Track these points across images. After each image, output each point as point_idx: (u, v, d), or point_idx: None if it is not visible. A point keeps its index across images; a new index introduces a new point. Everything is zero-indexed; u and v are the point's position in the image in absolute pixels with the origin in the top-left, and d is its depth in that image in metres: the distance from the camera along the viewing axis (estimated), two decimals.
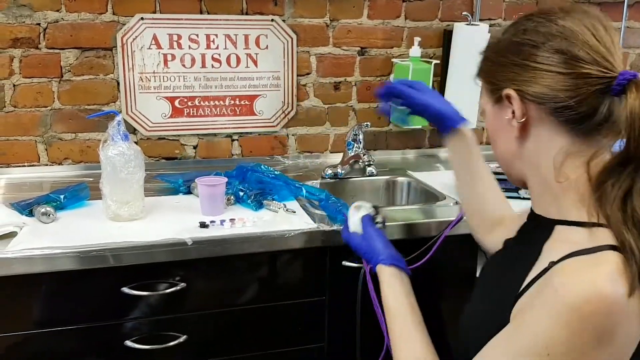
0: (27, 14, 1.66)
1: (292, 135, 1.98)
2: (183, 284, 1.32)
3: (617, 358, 0.70)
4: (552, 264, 0.74)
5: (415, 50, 1.93)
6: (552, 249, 0.77)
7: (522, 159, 0.83)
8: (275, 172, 1.63)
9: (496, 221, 1.10)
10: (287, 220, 1.41)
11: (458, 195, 1.22)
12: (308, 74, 1.94)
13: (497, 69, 0.82)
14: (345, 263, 1.42)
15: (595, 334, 0.67)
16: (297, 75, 1.93)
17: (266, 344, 1.44)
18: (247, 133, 1.93)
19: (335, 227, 1.39)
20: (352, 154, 1.82)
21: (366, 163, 1.83)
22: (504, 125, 0.82)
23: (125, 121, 1.73)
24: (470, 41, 1.94)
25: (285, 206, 1.47)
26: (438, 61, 1.98)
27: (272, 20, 1.86)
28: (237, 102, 1.90)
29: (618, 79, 0.74)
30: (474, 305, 0.90)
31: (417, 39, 1.93)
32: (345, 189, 1.82)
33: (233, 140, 1.93)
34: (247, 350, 1.43)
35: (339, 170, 1.82)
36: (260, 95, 1.91)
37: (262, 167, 1.65)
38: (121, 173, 1.37)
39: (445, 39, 2.01)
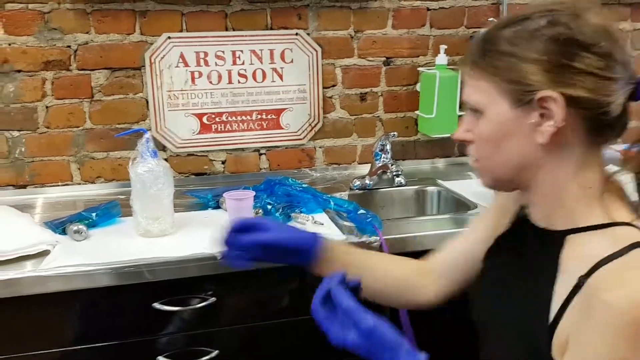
0: (57, 37, 1.70)
1: (319, 147, 1.97)
2: (214, 299, 1.32)
3: None
4: (583, 278, 0.71)
5: (442, 58, 1.91)
6: (571, 261, 0.75)
7: (538, 166, 0.79)
8: (303, 185, 1.63)
9: (415, 285, 1.05)
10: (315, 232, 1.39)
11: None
12: (334, 85, 1.94)
13: (528, 68, 0.75)
14: None
15: None
16: (323, 88, 1.93)
17: (299, 359, 1.43)
18: (274, 147, 1.94)
19: (364, 239, 1.37)
20: (380, 164, 1.81)
21: (394, 173, 1.81)
22: (524, 130, 0.77)
23: (154, 138, 1.76)
24: None
25: (313, 218, 1.46)
26: None
27: (297, 34, 1.87)
28: (264, 117, 1.91)
29: None
30: (495, 341, 0.86)
31: (443, 47, 1.91)
32: (374, 200, 1.81)
33: (261, 154, 1.94)
34: None
35: (367, 181, 1.80)
36: (286, 108, 1.91)
37: (290, 180, 1.65)
38: (150, 189, 1.38)
39: None
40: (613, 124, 0.76)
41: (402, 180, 1.82)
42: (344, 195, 1.72)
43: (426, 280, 1.05)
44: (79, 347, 1.30)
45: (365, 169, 1.91)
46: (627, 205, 0.79)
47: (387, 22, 1.94)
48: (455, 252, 1.05)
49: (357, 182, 1.80)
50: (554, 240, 0.79)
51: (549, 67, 0.74)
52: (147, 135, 1.41)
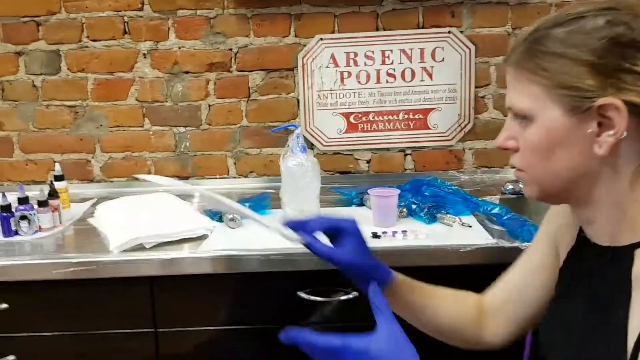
0: (221, 40, 1.83)
1: (469, 149, 1.89)
2: (355, 293, 1.32)
3: None
4: None
5: None
6: None
7: (594, 179, 0.71)
8: (452, 187, 1.57)
9: (476, 320, 0.96)
10: (463, 234, 1.34)
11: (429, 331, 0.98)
12: (487, 85, 1.85)
13: (584, 72, 0.67)
14: None
15: None
16: (475, 87, 1.85)
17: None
18: (420, 147, 1.90)
19: (516, 244, 1.28)
20: None
21: None
22: (579, 139, 0.69)
23: (303, 136, 1.82)
24: None
25: (460, 220, 1.40)
26: None
27: (449, 32, 1.82)
28: (411, 117, 1.88)
29: None
30: None
31: None
32: (529, 207, 1.68)
33: (406, 154, 1.91)
34: None
35: (521, 185, 1.69)
36: (435, 108, 1.87)
37: (439, 181, 1.60)
38: (299, 182, 1.43)
39: None
40: None
41: None
42: (494, 199, 1.62)
43: (485, 321, 0.96)
44: (226, 327, 1.37)
45: None
46: None
47: None
48: (508, 287, 0.95)
49: (510, 187, 1.70)
50: (621, 257, 0.70)
51: (608, 71, 0.66)
52: (298, 130, 1.46)
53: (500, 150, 0.79)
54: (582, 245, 0.79)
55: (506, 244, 1.29)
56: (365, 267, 0.89)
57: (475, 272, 1.32)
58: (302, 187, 1.43)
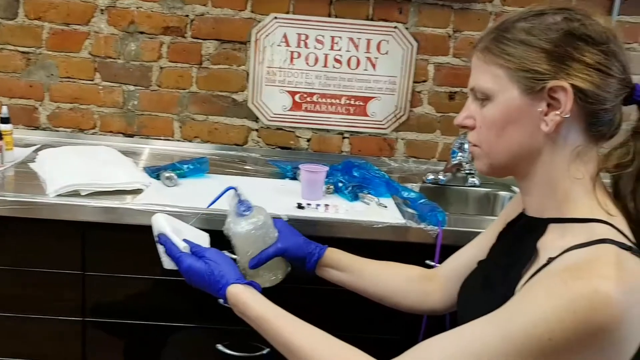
0: (178, 6, 1.90)
1: (402, 139, 2.03)
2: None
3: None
4: (551, 259, 0.75)
5: None
6: (547, 246, 0.79)
7: (536, 155, 0.82)
8: (380, 172, 1.70)
9: (420, 288, 1.11)
10: (378, 213, 1.47)
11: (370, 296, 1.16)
12: (424, 81, 1.99)
13: (541, 58, 0.78)
14: (429, 262, 1.45)
15: (597, 327, 0.67)
16: (413, 82, 1.98)
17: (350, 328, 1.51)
18: (358, 132, 2.02)
19: (422, 226, 1.43)
20: (455, 162, 1.84)
21: (468, 172, 1.83)
22: (530, 117, 0.80)
23: (249, 109, 1.91)
24: None
25: (378, 200, 1.54)
26: None
27: (395, 27, 1.94)
28: (352, 102, 2.00)
29: (638, 90, 0.80)
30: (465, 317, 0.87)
31: None
32: (445, 196, 1.84)
33: (344, 137, 2.03)
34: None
35: (441, 176, 1.84)
36: (375, 97, 1.99)
37: (369, 165, 1.73)
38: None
39: None
40: (610, 122, 0.80)
41: (476, 181, 1.84)
42: (415, 186, 1.77)
43: (431, 287, 1.10)
44: (152, 277, 1.46)
45: (443, 166, 1.95)
46: (615, 202, 0.82)
47: (487, 25, 1.95)
48: (461, 258, 1.08)
49: (431, 177, 1.85)
50: (537, 228, 0.82)
51: (560, 58, 0.78)
52: (239, 191, 1.16)
53: (459, 127, 0.90)
54: (520, 217, 0.91)
55: (414, 225, 1.43)
56: (298, 248, 1.14)
57: (385, 247, 1.47)
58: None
